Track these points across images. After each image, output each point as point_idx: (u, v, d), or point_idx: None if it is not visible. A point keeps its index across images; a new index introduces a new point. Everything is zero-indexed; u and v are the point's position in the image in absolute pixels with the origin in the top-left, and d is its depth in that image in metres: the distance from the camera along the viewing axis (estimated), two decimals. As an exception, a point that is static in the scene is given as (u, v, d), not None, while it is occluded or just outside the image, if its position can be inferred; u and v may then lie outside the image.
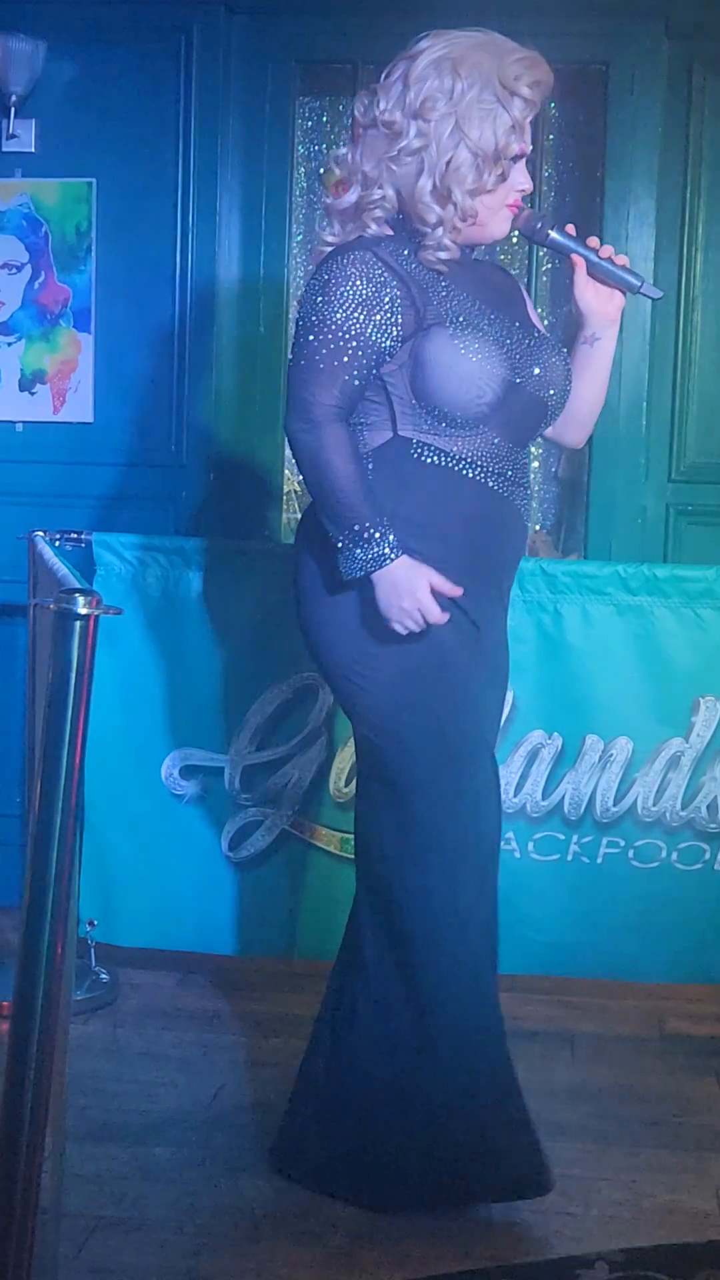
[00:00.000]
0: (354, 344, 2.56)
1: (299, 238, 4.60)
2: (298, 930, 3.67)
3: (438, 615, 2.58)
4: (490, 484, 2.66)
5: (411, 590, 2.56)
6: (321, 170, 4.62)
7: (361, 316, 2.56)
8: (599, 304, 2.79)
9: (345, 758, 3.59)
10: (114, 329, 4.35)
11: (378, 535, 2.56)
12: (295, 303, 4.50)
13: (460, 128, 2.57)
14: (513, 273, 3.11)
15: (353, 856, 3.59)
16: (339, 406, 2.58)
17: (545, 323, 2.93)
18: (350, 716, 2.75)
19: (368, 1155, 2.70)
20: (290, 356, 2.65)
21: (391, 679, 2.65)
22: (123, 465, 4.34)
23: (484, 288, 2.71)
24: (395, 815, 2.67)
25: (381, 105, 2.62)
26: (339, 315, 2.56)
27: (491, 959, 2.74)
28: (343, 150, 2.72)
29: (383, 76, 2.65)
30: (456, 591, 2.60)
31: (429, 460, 2.63)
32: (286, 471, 4.65)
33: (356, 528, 2.56)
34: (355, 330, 2.56)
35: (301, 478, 2.70)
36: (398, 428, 2.64)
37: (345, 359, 2.57)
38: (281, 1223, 2.66)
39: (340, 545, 2.58)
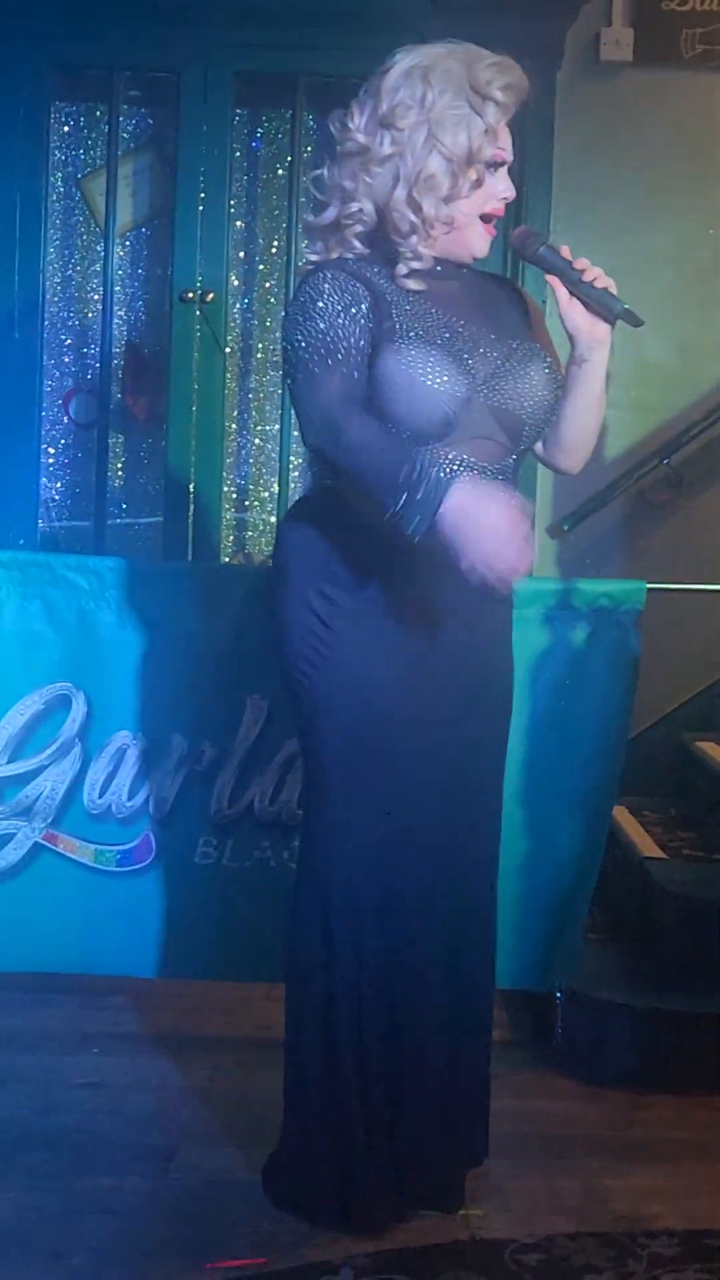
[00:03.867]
0: (343, 345, 2.53)
1: (55, 243, 4.56)
2: (52, 944, 3.61)
3: (523, 541, 2.40)
4: None
5: (487, 508, 2.38)
6: (80, 176, 4.58)
7: (344, 322, 2.54)
8: (586, 324, 2.68)
9: (100, 769, 3.54)
10: None
11: (428, 468, 2.40)
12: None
13: (433, 134, 2.55)
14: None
15: (106, 868, 3.59)
16: (344, 396, 2.52)
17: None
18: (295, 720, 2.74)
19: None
20: (290, 380, 2.60)
21: (339, 688, 2.62)
22: None
23: (465, 302, 2.66)
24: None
25: (355, 119, 2.61)
26: (322, 325, 2.54)
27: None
28: (320, 170, 2.69)
29: (360, 93, 2.63)
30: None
31: None
32: (44, 480, 4.60)
33: (406, 470, 2.39)
34: (341, 334, 2.53)
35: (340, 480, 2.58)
36: None
37: (340, 355, 2.53)
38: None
39: (403, 505, 2.38)
